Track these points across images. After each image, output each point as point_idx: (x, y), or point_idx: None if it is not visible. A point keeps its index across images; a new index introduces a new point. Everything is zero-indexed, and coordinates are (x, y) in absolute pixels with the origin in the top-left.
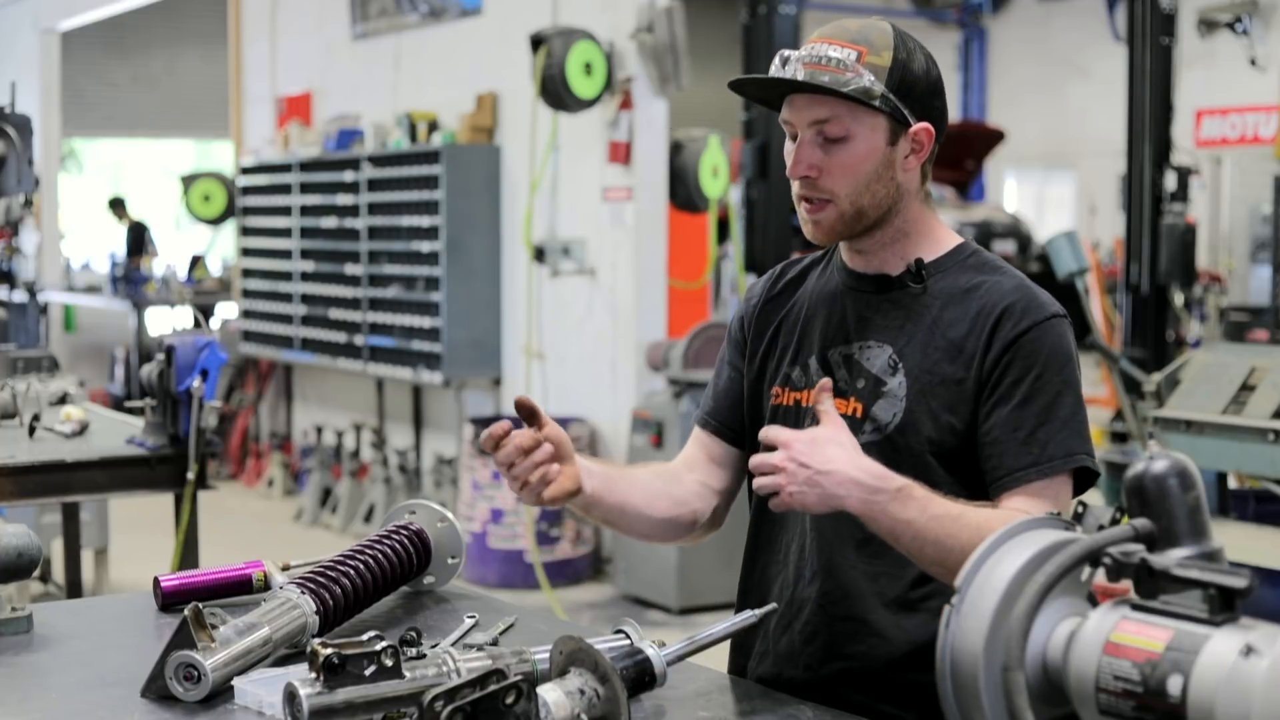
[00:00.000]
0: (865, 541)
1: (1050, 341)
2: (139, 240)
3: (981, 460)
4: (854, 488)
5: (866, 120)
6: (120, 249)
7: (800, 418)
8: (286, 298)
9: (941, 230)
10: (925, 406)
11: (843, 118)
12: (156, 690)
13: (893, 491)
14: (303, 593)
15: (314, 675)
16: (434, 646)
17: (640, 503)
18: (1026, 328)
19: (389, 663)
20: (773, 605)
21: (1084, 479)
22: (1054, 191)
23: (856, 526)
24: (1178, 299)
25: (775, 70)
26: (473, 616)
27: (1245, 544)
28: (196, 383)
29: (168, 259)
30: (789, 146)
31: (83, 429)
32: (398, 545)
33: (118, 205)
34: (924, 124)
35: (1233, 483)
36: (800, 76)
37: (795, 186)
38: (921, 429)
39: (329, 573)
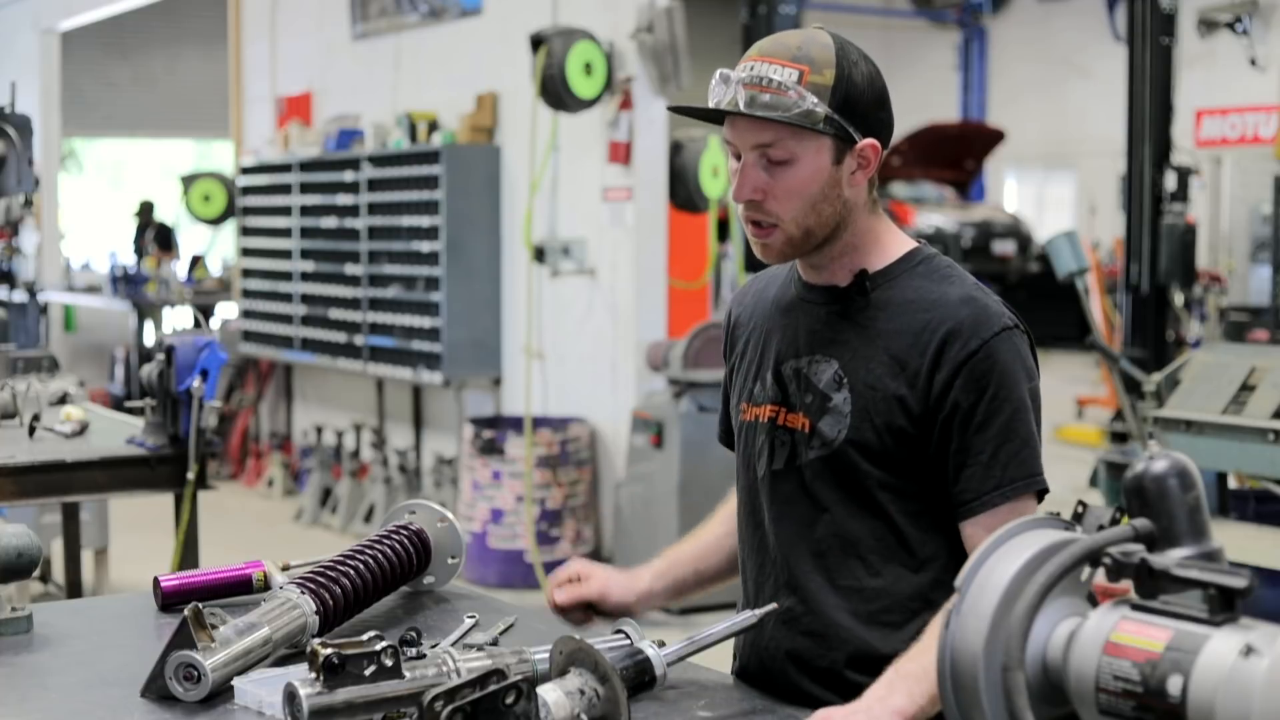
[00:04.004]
0: (820, 555)
1: (1002, 358)
2: (165, 240)
3: (948, 485)
4: (878, 705)
5: (811, 143)
6: (139, 246)
7: (758, 434)
8: (286, 298)
9: (890, 237)
10: (869, 423)
11: (786, 141)
12: (156, 690)
13: (884, 695)
14: (303, 593)
15: (314, 675)
16: (434, 646)
17: (714, 558)
18: (976, 348)
19: (389, 663)
20: (773, 606)
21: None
22: (1054, 191)
23: (812, 539)
24: (1178, 299)
25: (716, 89)
26: (473, 616)
27: (1245, 544)
28: (196, 383)
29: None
30: (733, 165)
31: (83, 429)
32: (398, 545)
33: (146, 210)
34: (870, 140)
35: (1233, 483)
36: (741, 99)
37: (740, 209)
38: (867, 444)
39: (329, 573)
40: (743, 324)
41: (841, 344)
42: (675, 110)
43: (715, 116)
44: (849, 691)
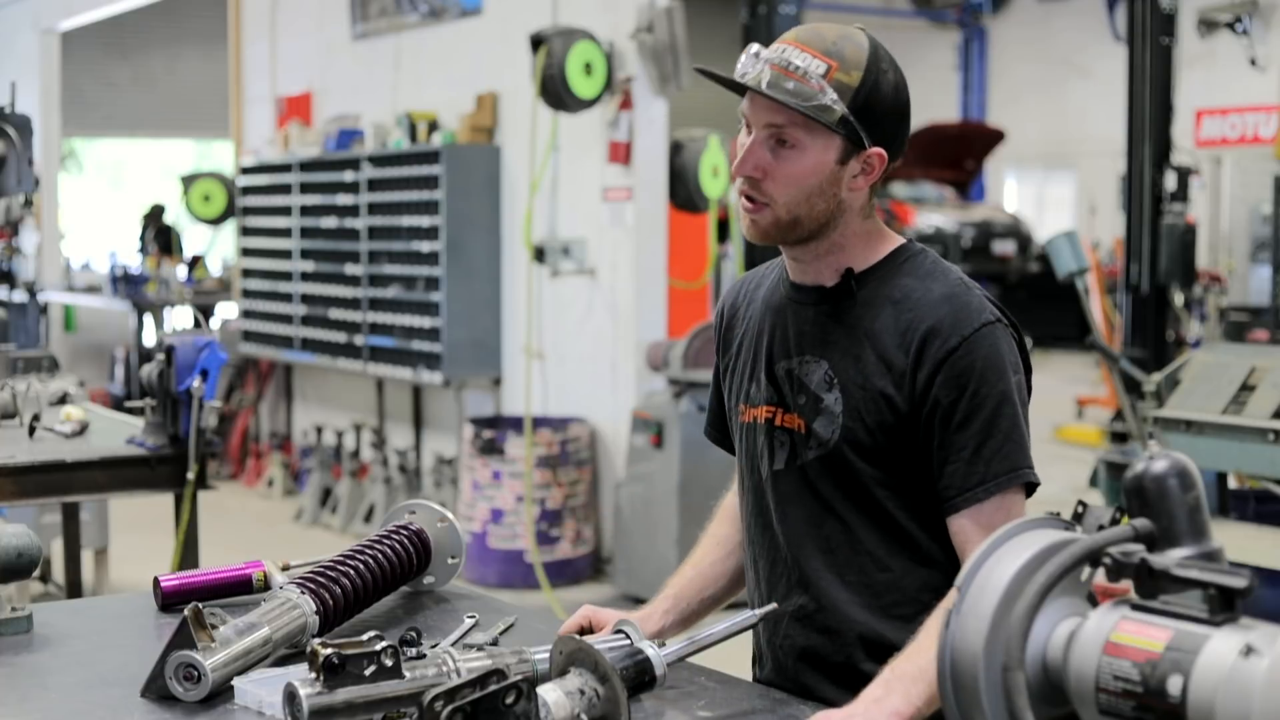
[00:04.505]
0: (829, 551)
1: (982, 354)
2: (166, 243)
3: (934, 481)
4: (874, 708)
5: (821, 136)
6: (144, 247)
7: (758, 435)
8: (286, 298)
9: (879, 237)
10: (861, 422)
11: (798, 128)
12: (156, 690)
13: (881, 696)
14: (303, 593)
15: (314, 675)
16: (434, 646)
17: (718, 583)
18: (955, 345)
19: (389, 663)
20: (772, 605)
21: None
22: (1054, 191)
23: (819, 537)
24: (1178, 299)
25: (745, 63)
26: (473, 616)
27: (1245, 544)
28: (196, 383)
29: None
30: (742, 138)
31: (83, 429)
32: (398, 545)
33: (157, 213)
34: (878, 149)
35: (1233, 483)
36: (765, 79)
37: (739, 182)
38: (860, 443)
39: (329, 573)
40: (736, 324)
41: (830, 344)
42: (701, 72)
43: (736, 90)
44: (865, 685)
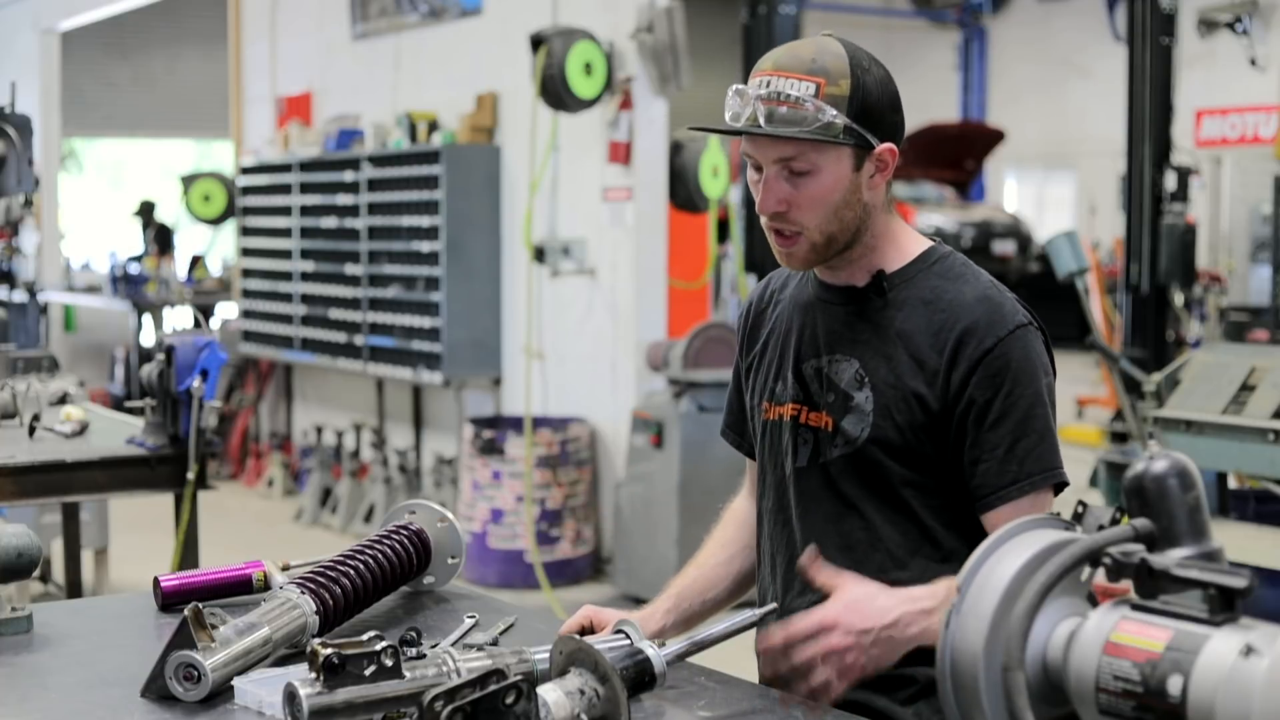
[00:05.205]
0: (847, 549)
1: (1017, 355)
2: (165, 241)
3: (966, 480)
4: (920, 618)
5: (831, 153)
6: (139, 247)
7: (783, 433)
8: (286, 298)
9: (906, 237)
10: (891, 420)
11: (808, 154)
12: (156, 690)
13: (940, 601)
14: (303, 593)
15: (314, 675)
16: (434, 646)
17: (721, 586)
18: (991, 345)
19: (389, 663)
20: (772, 605)
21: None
22: (1054, 191)
23: (838, 534)
24: (1178, 299)
25: (732, 103)
26: (473, 616)
27: (1245, 544)
28: (196, 383)
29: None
30: (753, 175)
31: (83, 429)
32: (398, 545)
33: (147, 210)
34: (887, 145)
35: (1233, 483)
36: (760, 115)
37: (764, 220)
38: (889, 442)
39: (329, 573)
40: (762, 323)
41: (861, 343)
42: (696, 129)
43: (737, 135)
44: (873, 681)
